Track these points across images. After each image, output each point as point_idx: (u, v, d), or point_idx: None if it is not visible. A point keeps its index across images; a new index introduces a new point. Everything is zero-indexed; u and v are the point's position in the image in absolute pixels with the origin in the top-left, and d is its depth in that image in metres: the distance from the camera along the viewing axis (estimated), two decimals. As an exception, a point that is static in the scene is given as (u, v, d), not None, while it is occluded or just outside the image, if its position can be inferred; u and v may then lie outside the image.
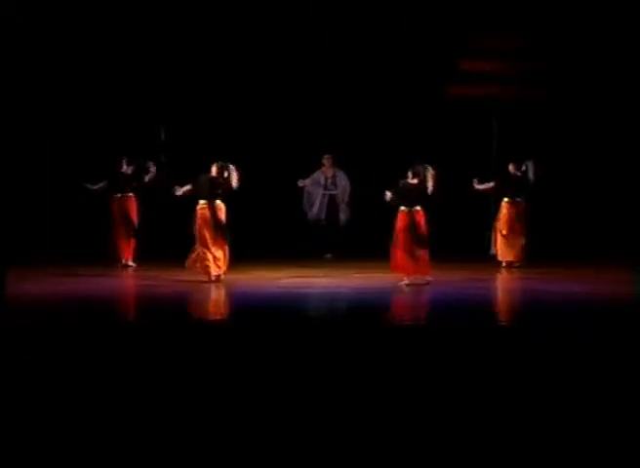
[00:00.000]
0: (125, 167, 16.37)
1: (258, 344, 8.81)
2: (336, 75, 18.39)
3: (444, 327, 10.40)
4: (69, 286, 13.47)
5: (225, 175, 13.68)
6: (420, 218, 13.59)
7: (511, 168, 16.16)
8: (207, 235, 13.57)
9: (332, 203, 18.16)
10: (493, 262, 16.17)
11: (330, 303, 12.37)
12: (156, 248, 16.54)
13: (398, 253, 13.57)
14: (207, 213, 13.62)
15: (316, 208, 18.16)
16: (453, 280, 14.09)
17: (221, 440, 5.75)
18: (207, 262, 13.56)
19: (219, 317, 11.48)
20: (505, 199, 16.23)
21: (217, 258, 13.58)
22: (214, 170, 13.77)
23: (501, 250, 16.23)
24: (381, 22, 18.29)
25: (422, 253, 13.57)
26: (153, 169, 16.25)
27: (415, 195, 13.56)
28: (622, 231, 17.39)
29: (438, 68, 18.30)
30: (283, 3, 18.28)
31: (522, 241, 16.09)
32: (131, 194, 16.35)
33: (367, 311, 11.39)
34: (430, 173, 13.55)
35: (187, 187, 13.93)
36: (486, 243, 16.94)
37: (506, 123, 18.63)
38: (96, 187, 16.46)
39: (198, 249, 13.60)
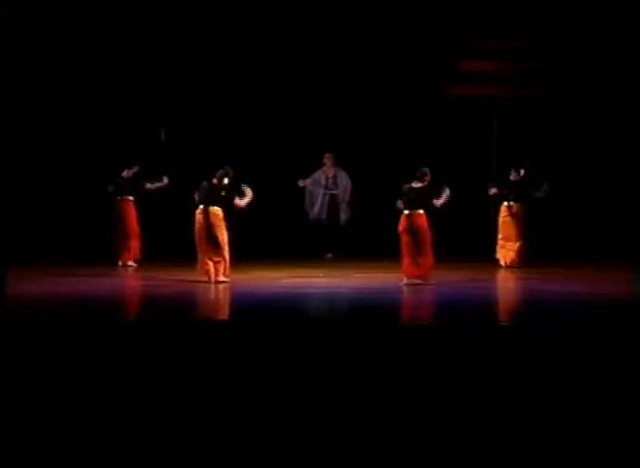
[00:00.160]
0: (126, 171, 16.36)
1: (258, 344, 8.81)
2: (336, 75, 18.38)
3: (444, 327, 10.40)
4: (69, 286, 13.46)
5: (226, 181, 13.68)
6: (422, 222, 13.55)
7: (513, 175, 16.19)
8: (201, 240, 13.62)
9: (332, 202, 18.16)
10: (493, 263, 16.17)
11: (330, 303, 12.37)
12: (156, 248, 16.55)
13: (403, 257, 13.59)
14: (202, 218, 13.65)
15: (317, 207, 18.16)
16: (453, 280, 14.09)
17: (222, 439, 5.75)
18: (207, 267, 13.61)
19: (219, 317, 11.48)
20: (505, 203, 16.29)
21: (217, 263, 13.59)
22: (216, 176, 13.79)
23: (501, 253, 16.28)
24: (381, 22, 18.29)
25: (423, 261, 13.53)
26: (165, 180, 16.26)
27: (416, 198, 13.54)
28: (622, 231, 17.38)
29: (438, 68, 18.29)
30: (283, 3, 18.28)
31: (520, 244, 16.13)
32: (130, 198, 16.34)
33: (367, 311, 11.38)
34: (447, 194, 13.55)
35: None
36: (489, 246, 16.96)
37: (506, 123, 18.63)
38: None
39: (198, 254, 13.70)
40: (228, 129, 18.33)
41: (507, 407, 6.47)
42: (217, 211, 13.64)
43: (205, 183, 13.76)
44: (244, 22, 18.20)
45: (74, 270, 15.19)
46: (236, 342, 9.06)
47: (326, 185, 18.14)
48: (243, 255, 14.58)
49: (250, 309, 11.61)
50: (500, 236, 16.24)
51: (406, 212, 13.57)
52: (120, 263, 16.18)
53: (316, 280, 14.44)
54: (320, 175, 18.13)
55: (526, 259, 16.07)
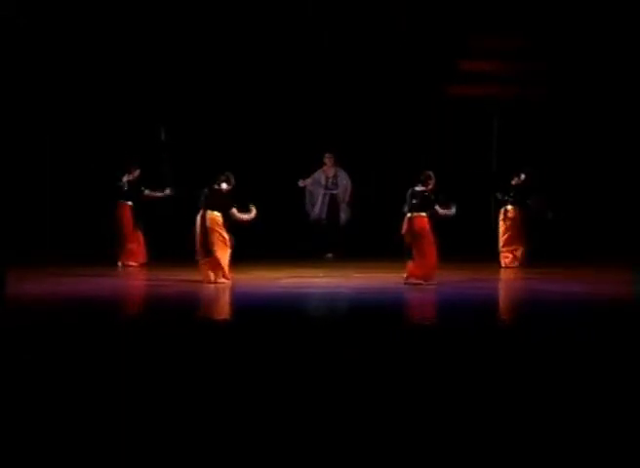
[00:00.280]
0: (127, 175, 16.35)
1: (258, 344, 8.81)
2: (336, 75, 18.39)
3: (444, 327, 10.40)
4: (69, 286, 13.46)
5: (224, 186, 13.68)
6: (423, 224, 13.53)
7: (515, 180, 16.22)
8: (199, 243, 13.66)
9: (333, 202, 18.15)
10: (493, 263, 16.18)
11: (330, 303, 12.36)
12: (156, 249, 16.55)
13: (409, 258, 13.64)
14: (200, 222, 13.68)
15: (317, 207, 18.15)
16: (453, 280, 14.08)
17: (223, 439, 5.75)
18: (204, 269, 13.65)
19: (219, 317, 11.48)
20: (505, 207, 16.32)
21: (214, 266, 13.61)
22: (217, 180, 13.80)
23: (501, 256, 16.33)
24: (381, 23, 18.29)
25: (424, 262, 13.51)
26: (168, 191, 16.27)
27: (419, 201, 13.53)
28: (622, 231, 17.38)
29: (438, 68, 18.30)
30: (283, 3, 18.28)
31: (522, 248, 16.18)
32: (129, 203, 16.32)
33: (367, 311, 11.38)
34: (453, 211, 13.56)
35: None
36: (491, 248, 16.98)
37: (506, 123, 18.63)
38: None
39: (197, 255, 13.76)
40: (229, 129, 18.33)
41: (507, 406, 6.47)
42: (215, 215, 13.64)
43: (207, 187, 13.79)
44: (244, 23, 18.20)
45: (74, 270, 15.19)
46: (236, 342, 9.05)
47: (326, 185, 18.13)
48: (243, 255, 14.58)
49: (250, 309, 11.60)
50: (501, 243, 16.29)
51: (408, 214, 13.58)
52: (119, 264, 16.18)
53: (316, 280, 14.44)
54: (320, 175, 18.12)
55: (526, 262, 16.11)
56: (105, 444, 5.62)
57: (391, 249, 14.48)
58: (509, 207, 16.25)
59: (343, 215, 18.14)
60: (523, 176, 16.21)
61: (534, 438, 5.71)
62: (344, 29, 18.34)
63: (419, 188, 13.61)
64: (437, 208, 13.57)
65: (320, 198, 18.14)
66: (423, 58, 18.29)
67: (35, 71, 17.77)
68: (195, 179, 14.32)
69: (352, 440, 5.70)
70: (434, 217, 13.66)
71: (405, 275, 13.53)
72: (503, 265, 16.18)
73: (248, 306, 11.91)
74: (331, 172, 18.12)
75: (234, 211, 13.66)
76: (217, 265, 13.57)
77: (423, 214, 13.54)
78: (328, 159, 18.04)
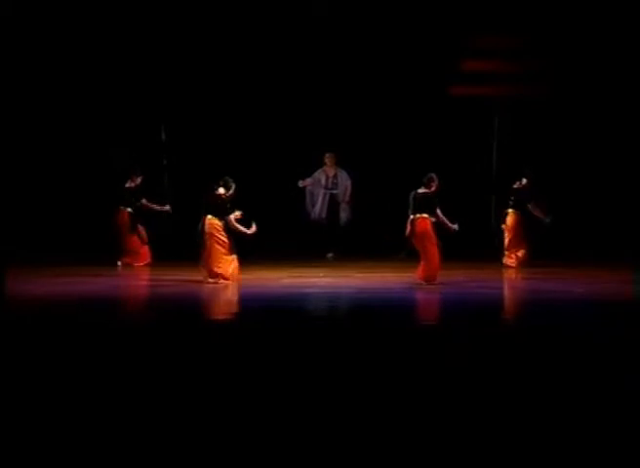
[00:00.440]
0: (129, 182, 16.36)
1: (258, 344, 8.81)
2: (338, 75, 18.39)
3: (445, 327, 10.40)
4: (69, 286, 13.46)
5: (221, 191, 13.69)
6: (424, 226, 13.53)
7: (517, 183, 16.27)
8: (200, 247, 13.71)
9: (333, 202, 18.16)
10: (494, 263, 16.20)
11: (331, 303, 12.36)
12: (156, 249, 16.57)
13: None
14: (201, 226, 13.73)
15: (318, 207, 18.16)
16: (454, 280, 14.08)
17: (224, 439, 5.74)
18: (204, 270, 13.72)
19: (220, 317, 11.48)
20: (507, 210, 16.38)
21: (216, 271, 13.66)
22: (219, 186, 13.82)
23: (504, 255, 16.39)
24: (382, 22, 18.29)
25: (427, 263, 13.55)
26: (167, 207, 16.33)
27: (421, 204, 13.53)
28: (623, 231, 17.37)
29: (440, 68, 18.30)
30: (284, 3, 18.28)
31: (524, 249, 16.24)
32: (129, 209, 16.33)
33: (367, 311, 11.38)
34: (455, 228, 13.55)
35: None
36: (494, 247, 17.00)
37: (508, 122, 18.64)
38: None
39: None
40: (229, 129, 18.34)
41: (507, 406, 6.47)
42: (213, 220, 13.65)
43: (205, 192, 13.81)
44: (245, 22, 18.20)
45: (74, 270, 15.20)
46: (237, 342, 9.05)
47: (326, 185, 18.14)
48: (243, 256, 14.58)
49: (251, 309, 11.61)
50: (505, 244, 16.36)
51: (411, 216, 13.59)
52: (119, 264, 16.20)
53: (317, 280, 14.44)
54: (321, 175, 18.13)
55: (527, 262, 16.16)
56: (105, 444, 5.62)
57: (391, 249, 14.49)
58: (509, 210, 16.35)
59: (344, 215, 18.15)
60: (525, 181, 16.26)
61: (536, 437, 5.71)
62: (346, 29, 18.34)
63: (421, 190, 13.62)
64: (439, 211, 13.57)
65: (320, 198, 18.15)
66: (425, 58, 18.29)
67: (34, 71, 17.76)
68: (195, 180, 14.32)
69: (356, 439, 5.70)
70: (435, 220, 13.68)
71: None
72: (505, 265, 16.22)
73: (248, 306, 11.92)
74: (331, 171, 18.13)
75: (231, 217, 13.64)
76: (219, 269, 13.62)
77: (425, 215, 13.55)
78: (328, 159, 18.05)
